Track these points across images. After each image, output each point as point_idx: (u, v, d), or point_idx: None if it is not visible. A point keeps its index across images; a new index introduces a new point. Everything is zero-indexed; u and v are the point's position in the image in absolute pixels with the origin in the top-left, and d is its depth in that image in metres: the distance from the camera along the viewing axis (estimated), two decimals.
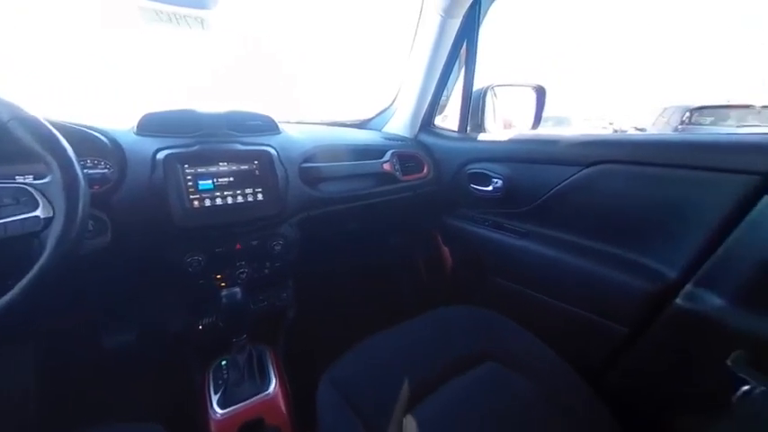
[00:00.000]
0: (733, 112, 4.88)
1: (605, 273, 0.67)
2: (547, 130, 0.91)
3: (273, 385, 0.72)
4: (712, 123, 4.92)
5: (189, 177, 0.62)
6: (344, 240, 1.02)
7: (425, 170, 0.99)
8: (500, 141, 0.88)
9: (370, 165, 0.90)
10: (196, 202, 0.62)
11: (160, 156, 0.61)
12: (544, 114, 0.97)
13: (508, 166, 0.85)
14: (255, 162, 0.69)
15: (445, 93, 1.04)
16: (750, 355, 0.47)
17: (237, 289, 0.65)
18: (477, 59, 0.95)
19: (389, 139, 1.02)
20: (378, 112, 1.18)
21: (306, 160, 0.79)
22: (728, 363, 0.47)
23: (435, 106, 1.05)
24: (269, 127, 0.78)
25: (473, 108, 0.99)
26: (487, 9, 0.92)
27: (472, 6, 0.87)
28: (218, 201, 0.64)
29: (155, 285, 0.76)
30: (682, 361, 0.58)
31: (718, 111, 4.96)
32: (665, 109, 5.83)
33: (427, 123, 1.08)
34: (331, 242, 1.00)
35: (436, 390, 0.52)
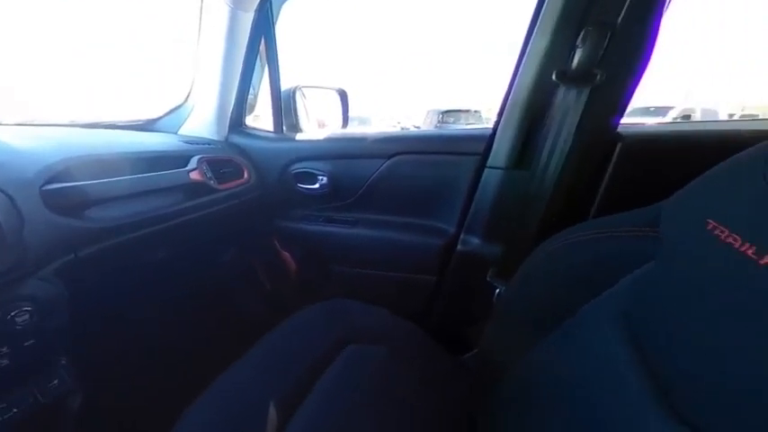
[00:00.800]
0: (462, 114, 7.27)
1: (414, 239, 0.86)
2: (355, 129, 1.04)
3: None
4: (454, 122, 7.15)
5: None
6: (155, 274, 0.79)
7: (246, 175, 0.90)
8: (319, 140, 0.93)
9: (171, 176, 0.72)
10: None
11: None
12: (350, 114, 1.10)
13: (330, 164, 0.91)
14: None
15: (252, 91, 0.98)
16: (495, 269, 0.74)
17: None
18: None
19: (192, 143, 0.85)
20: (167, 110, 0.96)
21: (52, 180, 0.53)
22: (488, 278, 0.71)
23: (243, 105, 0.97)
24: None
25: (285, 108, 0.98)
26: (281, 6, 0.92)
27: (264, 1, 0.84)
28: None
29: None
30: (468, 287, 0.83)
31: (456, 113, 7.27)
32: (428, 112, 7.94)
33: (238, 124, 0.98)
34: (135, 281, 0.74)
35: (306, 396, 0.51)
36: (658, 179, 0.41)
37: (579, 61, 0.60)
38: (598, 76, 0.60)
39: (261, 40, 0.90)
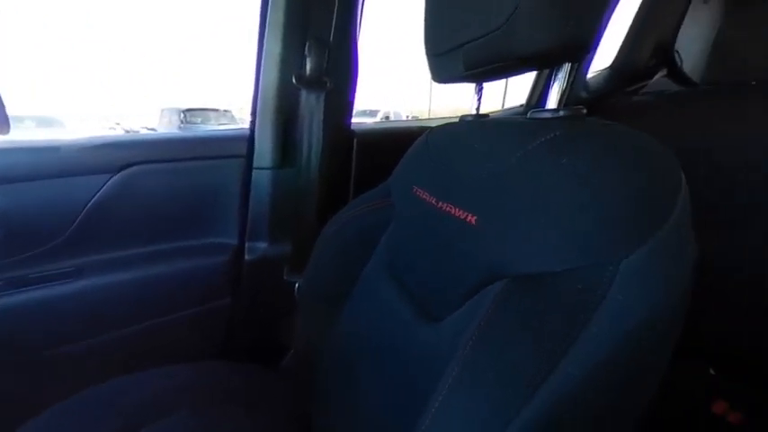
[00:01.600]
0: (212, 114, 6.51)
1: (188, 265, 0.71)
2: (30, 134, 0.68)
3: None
4: (203, 122, 6.28)
5: None
6: None
7: None
8: None
9: None
10: None
11: None
12: (14, 113, 0.70)
13: None
14: None
15: None
16: (289, 266, 0.75)
17: None
18: None
19: None
20: None
21: None
22: (285, 278, 0.72)
23: None
24: None
25: None
26: None
27: None
28: None
29: None
30: (268, 292, 0.78)
31: (203, 112, 6.39)
32: (163, 110, 6.49)
33: None
34: None
35: None
36: (385, 162, 0.56)
37: (311, 69, 0.70)
38: (328, 83, 0.72)
39: None
